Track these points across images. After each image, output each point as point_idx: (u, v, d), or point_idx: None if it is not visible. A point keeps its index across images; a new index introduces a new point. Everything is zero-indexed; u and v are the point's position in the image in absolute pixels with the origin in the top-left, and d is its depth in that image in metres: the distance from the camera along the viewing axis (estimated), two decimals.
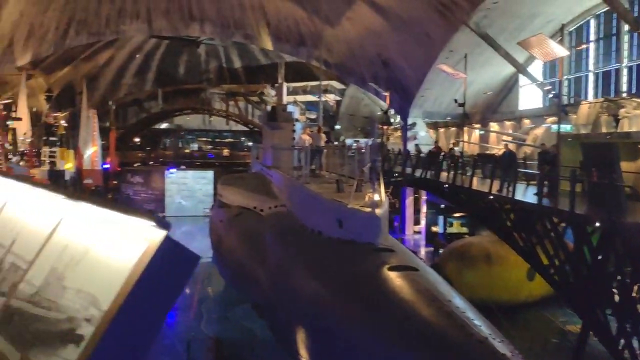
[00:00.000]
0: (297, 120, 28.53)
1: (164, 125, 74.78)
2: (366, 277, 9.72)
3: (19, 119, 40.94)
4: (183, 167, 51.29)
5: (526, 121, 36.08)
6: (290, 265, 14.07)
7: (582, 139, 20.58)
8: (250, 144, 61.54)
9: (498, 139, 36.35)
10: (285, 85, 37.35)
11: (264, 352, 17.20)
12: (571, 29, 32.65)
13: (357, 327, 8.49)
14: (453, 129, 44.10)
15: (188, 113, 71.07)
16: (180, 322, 19.84)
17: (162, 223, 2.55)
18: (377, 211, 10.99)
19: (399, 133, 47.76)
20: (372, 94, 46.65)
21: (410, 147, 36.27)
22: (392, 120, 43.79)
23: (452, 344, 7.15)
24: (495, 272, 22.16)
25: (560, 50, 18.09)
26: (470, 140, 38.19)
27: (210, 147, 73.20)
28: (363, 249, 11.05)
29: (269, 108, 29.67)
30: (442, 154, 26.87)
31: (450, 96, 36.61)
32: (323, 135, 24.57)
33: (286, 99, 32.25)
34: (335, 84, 57.15)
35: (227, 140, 75.39)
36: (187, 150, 69.19)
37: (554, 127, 21.93)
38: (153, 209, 43.42)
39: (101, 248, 2.79)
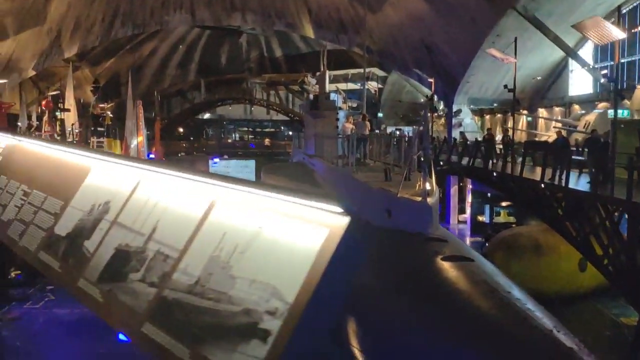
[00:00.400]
0: (340, 108, 28.21)
1: (206, 116, 75.70)
2: (419, 267, 9.45)
3: (68, 110, 41.82)
4: (226, 156, 51.98)
5: (576, 107, 35.01)
6: None
7: (637, 125, 19.81)
8: (290, 133, 61.68)
9: (547, 125, 35.38)
10: (327, 72, 37.05)
11: None
12: (624, 11, 31.39)
13: (411, 319, 8.26)
14: (499, 115, 43.18)
15: (230, 103, 71.77)
16: None
17: (347, 209, 2.30)
18: (429, 200, 10.67)
19: (442, 120, 47.00)
20: (415, 80, 46.06)
21: (455, 134, 35.64)
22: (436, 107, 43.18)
23: (516, 337, 6.89)
24: (544, 263, 21.53)
25: (617, 33, 17.34)
26: (518, 126, 37.27)
27: (251, 136, 73.81)
28: (414, 239, 10.76)
29: (310, 97, 29.40)
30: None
31: (496, 82, 35.78)
32: (367, 124, 24.21)
33: (328, 87, 31.96)
34: (377, 70, 56.62)
35: (267, 129, 75.89)
36: (229, 140, 70.01)
37: (610, 112, 21.12)
38: None
39: (270, 234, 2.49)
